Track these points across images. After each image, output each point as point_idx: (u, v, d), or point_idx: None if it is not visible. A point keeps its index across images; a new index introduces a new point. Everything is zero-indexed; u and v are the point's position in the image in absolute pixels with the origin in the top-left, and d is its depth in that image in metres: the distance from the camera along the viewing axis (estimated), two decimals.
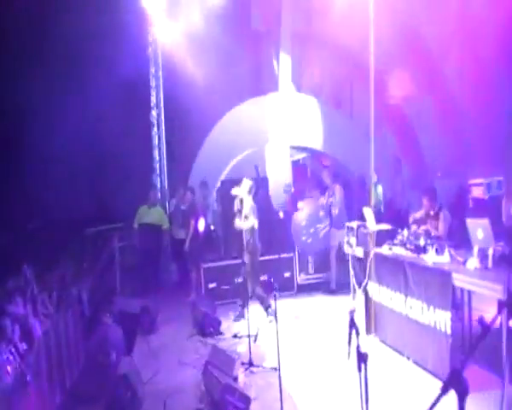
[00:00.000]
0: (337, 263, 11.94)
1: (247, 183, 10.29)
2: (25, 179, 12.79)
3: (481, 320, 7.07)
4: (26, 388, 5.68)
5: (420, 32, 14.41)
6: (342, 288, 11.20)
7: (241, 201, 10.14)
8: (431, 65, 15.25)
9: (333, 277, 12.04)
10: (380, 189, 14.75)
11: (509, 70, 12.79)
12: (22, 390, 5.66)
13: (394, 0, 12.49)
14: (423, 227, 8.68)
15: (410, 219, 9.19)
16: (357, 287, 9.21)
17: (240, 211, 10.12)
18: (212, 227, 13.89)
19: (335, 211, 12.15)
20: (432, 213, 8.82)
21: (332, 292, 11.87)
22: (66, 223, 12.86)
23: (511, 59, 12.82)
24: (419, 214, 9.04)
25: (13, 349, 6.09)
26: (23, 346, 6.42)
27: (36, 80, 12.18)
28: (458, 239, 7.72)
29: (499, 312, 3.66)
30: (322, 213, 12.74)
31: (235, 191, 10.17)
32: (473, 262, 6.47)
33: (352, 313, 4.58)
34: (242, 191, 10.18)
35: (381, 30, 11.66)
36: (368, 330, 8.68)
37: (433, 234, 8.43)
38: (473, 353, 3.10)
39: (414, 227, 8.84)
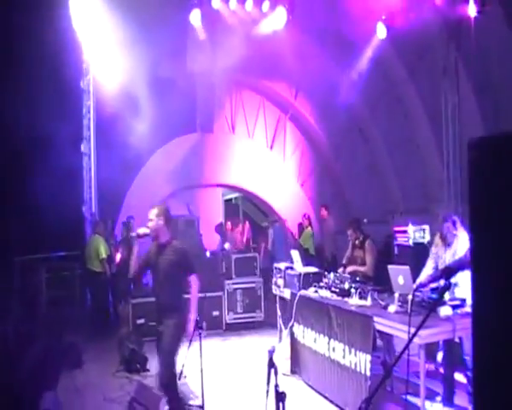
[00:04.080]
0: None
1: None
2: None
3: (384, 363, 7.41)
4: None
5: None
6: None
7: None
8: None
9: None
10: (309, 233, 15.06)
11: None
12: None
13: None
14: (350, 269, 8.95)
15: (344, 260, 9.45)
16: (283, 327, 9.37)
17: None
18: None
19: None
20: (357, 242, 9.12)
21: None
22: None
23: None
24: (349, 251, 9.34)
25: None
26: None
27: None
28: (384, 280, 7.93)
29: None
30: None
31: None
32: (393, 307, 6.70)
33: (271, 352, 4.72)
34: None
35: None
36: (292, 371, 8.85)
37: (360, 270, 8.71)
38: (375, 393, 3.29)
39: (340, 270, 9.10)
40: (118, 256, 12.73)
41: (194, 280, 6.59)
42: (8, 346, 8.90)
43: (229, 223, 16.26)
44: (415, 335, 3.72)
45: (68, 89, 14.09)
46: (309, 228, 15.15)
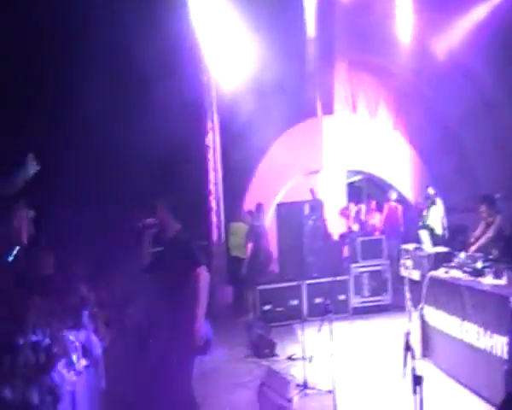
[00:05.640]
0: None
1: None
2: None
3: None
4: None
5: None
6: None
7: None
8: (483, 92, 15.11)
9: None
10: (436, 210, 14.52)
11: None
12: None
13: None
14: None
15: (472, 240, 9.10)
16: (412, 310, 9.13)
17: None
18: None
19: None
20: (490, 220, 8.75)
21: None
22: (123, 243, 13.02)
23: None
24: (479, 230, 8.97)
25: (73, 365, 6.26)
26: (83, 363, 6.59)
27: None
28: None
29: None
30: None
31: None
32: None
33: (407, 335, 4.60)
34: None
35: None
36: (423, 355, 8.59)
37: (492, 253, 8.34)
38: None
39: (472, 249, 8.76)
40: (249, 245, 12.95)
41: None
42: (142, 330, 9.19)
43: (362, 206, 16.10)
44: None
45: (189, 84, 14.37)
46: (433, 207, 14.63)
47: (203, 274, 5.79)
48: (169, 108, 12.74)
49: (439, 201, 13.84)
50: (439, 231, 14.10)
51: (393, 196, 15.51)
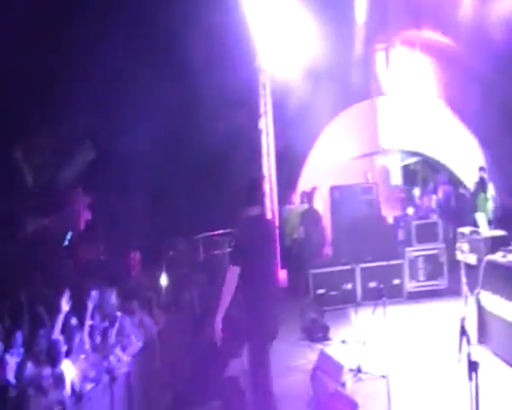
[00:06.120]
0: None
1: None
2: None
3: None
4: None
5: None
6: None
7: None
8: None
9: None
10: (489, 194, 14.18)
11: None
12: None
13: None
14: None
15: None
16: (469, 295, 8.98)
17: None
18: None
19: None
20: None
21: None
22: (178, 227, 13.20)
23: None
24: None
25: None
26: (138, 345, 6.71)
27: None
28: None
29: None
30: None
31: None
32: None
33: (463, 320, 4.53)
34: None
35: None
36: (479, 340, 8.42)
37: None
38: None
39: None
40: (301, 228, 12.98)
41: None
42: (195, 311, 9.31)
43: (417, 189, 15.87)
44: None
45: (242, 69, 14.40)
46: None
47: (230, 273, 5.66)
48: (222, 94, 12.82)
49: (490, 185, 13.58)
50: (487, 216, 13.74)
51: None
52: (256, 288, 5.69)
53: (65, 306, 5.70)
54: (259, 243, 5.75)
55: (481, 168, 14.10)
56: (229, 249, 5.94)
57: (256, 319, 5.69)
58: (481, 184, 14.09)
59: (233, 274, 5.61)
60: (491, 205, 13.82)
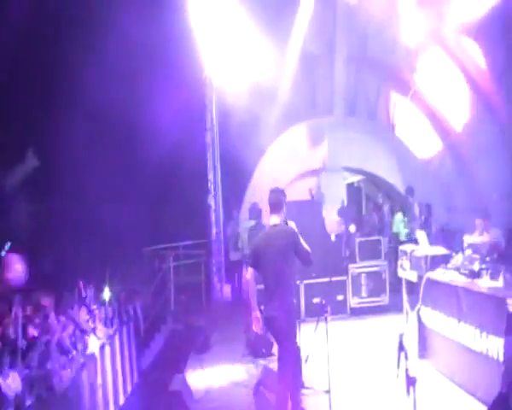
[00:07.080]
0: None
1: None
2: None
3: None
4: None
5: None
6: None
7: None
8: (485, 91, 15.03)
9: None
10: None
11: None
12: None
13: None
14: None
15: (465, 244, 9.10)
16: (410, 311, 9.14)
17: None
18: None
19: None
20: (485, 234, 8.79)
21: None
22: (124, 241, 13.11)
23: None
24: (472, 238, 8.98)
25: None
26: (80, 359, 6.62)
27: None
28: None
29: None
30: None
31: None
32: None
33: (401, 336, 4.60)
34: None
35: None
36: (420, 355, 8.59)
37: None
38: None
39: (468, 251, 8.75)
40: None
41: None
42: (139, 329, 9.24)
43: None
44: None
45: (189, 83, 14.42)
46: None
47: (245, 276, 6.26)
48: (170, 106, 12.79)
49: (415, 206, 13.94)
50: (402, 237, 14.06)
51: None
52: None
53: None
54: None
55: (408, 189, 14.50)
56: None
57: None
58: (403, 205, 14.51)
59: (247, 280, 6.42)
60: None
